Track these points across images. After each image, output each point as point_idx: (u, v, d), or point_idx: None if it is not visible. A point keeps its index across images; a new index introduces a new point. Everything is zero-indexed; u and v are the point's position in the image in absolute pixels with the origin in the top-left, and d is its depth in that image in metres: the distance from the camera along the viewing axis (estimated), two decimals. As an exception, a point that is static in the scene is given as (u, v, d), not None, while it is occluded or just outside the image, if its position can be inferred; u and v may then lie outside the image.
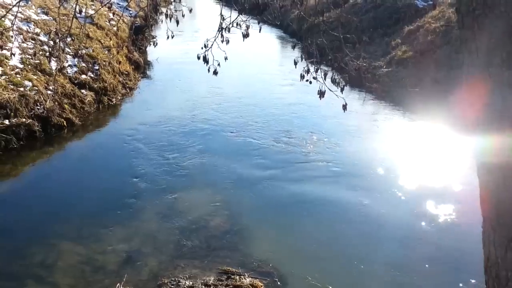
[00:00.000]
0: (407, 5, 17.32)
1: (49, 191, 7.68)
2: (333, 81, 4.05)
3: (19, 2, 4.77)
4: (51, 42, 11.08)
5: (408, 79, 12.75)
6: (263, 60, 17.22)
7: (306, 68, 4.00)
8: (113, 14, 11.95)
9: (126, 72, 13.74)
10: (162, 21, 5.43)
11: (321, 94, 3.91)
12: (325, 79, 3.88)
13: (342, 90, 4.10)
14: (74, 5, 10.73)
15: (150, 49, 18.66)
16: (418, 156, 9.24)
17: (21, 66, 10.26)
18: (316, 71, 3.90)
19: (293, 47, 4.43)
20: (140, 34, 19.58)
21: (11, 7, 9.02)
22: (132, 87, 13.29)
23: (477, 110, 1.87)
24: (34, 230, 6.51)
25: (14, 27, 10.11)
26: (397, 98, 12.28)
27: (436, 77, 12.18)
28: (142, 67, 15.56)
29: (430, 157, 9.17)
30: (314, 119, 11.13)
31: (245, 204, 7.47)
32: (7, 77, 9.62)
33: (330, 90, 3.87)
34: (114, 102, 11.88)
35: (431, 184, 8.07)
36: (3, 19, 11.26)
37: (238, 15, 3.99)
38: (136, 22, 20.00)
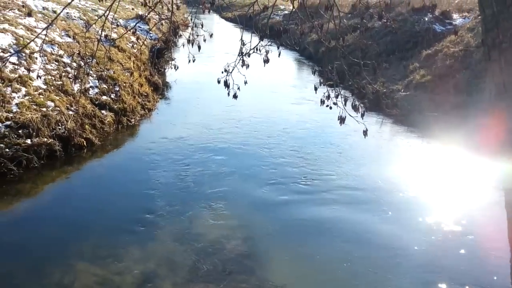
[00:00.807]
0: (425, 29, 17.35)
1: (67, 210, 7.74)
2: (354, 107, 4.06)
3: (47, 27, 4.91)
4: (74, 64, 11.33)
5: (427, 104, 12.68)
6: (280, 82, 17.32)
7: (326, 94, 4.03)
8: (137, 38, 12.14)
9: (145, 94, 13.93)
10: (183, 45, 5.54)
11: (342, 120, 3.92)
12: (345, 104, 3.90)
13: (362, 116, 4.11)
14: (99, 31, 10.97)
15: (168, 70, 18.95)
16: (439, 182, 9.12)
17: (44, 87, 10.49)
18: (337, 97, 3.93)
19: (313, 73, 4.45)
20: (160, 56, 19.93)
21: (39, 31, 9.26)
22: (150, 108, 13.45)
23: (502, 135, 1.86)
24: (51, 249, 6.56)
25: (37, 48, 10.35)
26: (415, 122, 12.19)
27: (455, 102, 12.11)
28: (160, 89, 15.78)
29: (451, 183, 9.05)
30: (331, 142, 11.09)
31: (262, 226, 7.43)
32: (30, 97, 9.84)
33: (351, 116, 3.88)
34: (133, 122, 12.02)
35: (452, 211, 7.94)
36: (28, 40, 11.59)
37: (259, 42, 4.05)
38: (156, 45, 20.38)
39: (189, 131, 11.60)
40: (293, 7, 5.35)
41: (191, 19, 5.22)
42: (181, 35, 6.20)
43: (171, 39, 5.60)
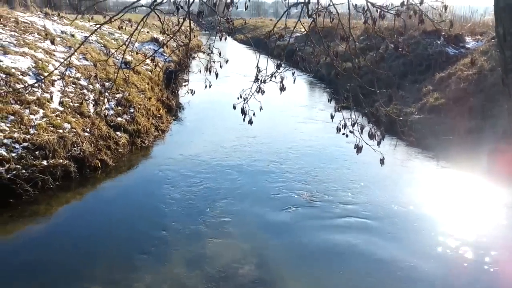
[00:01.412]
0: (437, 52, 17.37)
1: (81, 232, 7.78)
2: (370, 135, 4.07)
3: (71, 55, 5.01)
4: (91, 87, 11.50)
5: (441, 127, 12.62)
6: (292, 103, 17.37)
7: (343, 123, 4.05)
8: (152, 61, 12.34)
9: (159, 115, 14.08)
10: (200, 71, 5.61)
11: (358, 149, 3.93)
12: (361, 133, 3.91)
13: (378, 144, 4.11)
14: (117, 55, 11.20)
15: (181, 92, 19.17)
16: (454, 208, 9.00)
17: (61, 108, 10.66)
18: (353, 125, 3.94)
19: (329, 101, 4.49)
20: (174, 78, 20.17)
21: (58, 55, 9.44)
22: (164, 129, 13.57)
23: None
24: (65, 271, 6.58)
25: (57, 72, 10.56)
26: (430, 146, 12.12)
27: (470, 125, 12.04)
28: (174, 110, 15.95)
29: (467, 209, 8.93)
30: (344, 164, 11.06)
31: (275, 251, 7.38)
32: (47, 119, 10.00)
33: (367, 144, 3.89)
34: (146, 144, 12.13)
35: (468, 238, 7.82)
36: (47, 63, 11.83)
37: (276, 70, 4.11)
38: (170, 67, 20.67)
39: (201, 152, 11.66)
40: (305, 30, 5.42)
41: (209, 46, 5.29)
42: (194, 57, 6.28)
43: (188, 63, 5.67)
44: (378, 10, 4.55)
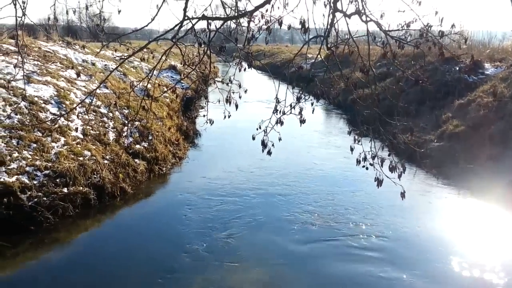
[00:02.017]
0: (456, 78, 17.31)
1: (100, 259, 7.79)
2: (391, 168, 4.05)
3: (98, 86, 5.13)
4: (111, 114, 11.68)
5: (461, 155, 12.47)
6: (309, 131, 17.36)
7: (363, 155, 4.04)
8: (173, 92, 12.52)
9: (177, 142, 14.19)
10: (219, 101, 5.68)
11: (379, 182, 3.91)
12: (382, 165, 3.89)
13: (399, 176, 4.08)
14: (139, 86, 11.38)
15: (199, 119, 19.35)
16: (474, 238, 8.82)
17: (82, 136, 10.83)
18: (373, 158, 3.93)
19: (349, 133, 4.47)
20: (191, 105, 20.44)
21: (80, 84, 9.64)
22: (181, 156, 13.66)
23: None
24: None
25: (78, 100, 10.77)
26: (450, 174, 11.96)
27: (491, 153, 11.88)
28: (191, 137, 16.05)
29: (487, 239, 8.74)
30: (362, 193, 10.94)
31: (295, 283, 7.29)
32: (68, 147, 10.16)
33: (388, 177, 3.86)
34: (164, 171, 12.20)
35: (487, 268, 7.63)
36: (68, 92, 12.09)
37: (297, 103, 4.14)
38: (187, 94, 20.93)
39: (218, 179, 11.69)
40: (323, 60, 5.47)
41: (229, 78, 5.36)
42: (211, 84, 6.37)
43: (206, 94, 5.74)
44: (397, 42, 4.58)
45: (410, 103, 16.40)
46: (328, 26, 4.22)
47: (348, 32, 4.37)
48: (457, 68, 17.92)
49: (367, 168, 4.15)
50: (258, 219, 9.50)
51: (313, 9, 4.61)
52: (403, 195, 3.98)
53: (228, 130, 16.36)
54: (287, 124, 5.24)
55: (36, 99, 11.27)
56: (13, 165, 8.92)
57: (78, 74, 5.93)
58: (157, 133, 13.35)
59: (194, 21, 4.65)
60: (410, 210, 10.02)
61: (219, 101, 5.69)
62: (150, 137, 12.83)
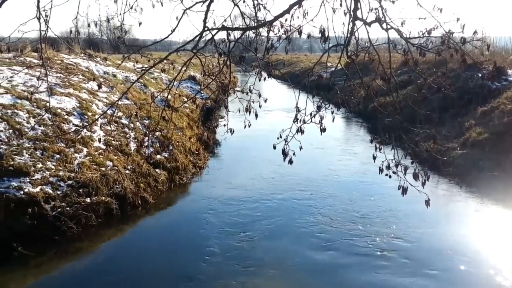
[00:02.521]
0: (479, 85, 17.05)
1: (122, 269, 7.84)
2: (414, 176, 4.00)
3: (120, 98, 5.21)
4: (132, 125, 11.82)
5: (485, 162, 12.24)
6: (329, 139, 17.27)
7: (386, 163, 4.00)
8: (193, 102, 12.64)
9: (197, 152, 14.26)
10: (239, 110, 5.69)
11: (403, 190, 3.86)
12: (405, 173, 3.84)
13: (423, 184, 4.02)
14: (159, 97, 11.50)
15: (218, 128, 19.42)
16: (501, 248, 8.62)
17: (104, 147, 10.98)
18: (397, 166, 3.88)
19: (371, 141, 4.42)
20: (210, 114, 20.56)
21: (101, 95, 9.78)
22: (201, 166, 13.71)
23: None
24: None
25: (99, 111, 10.94)
26: (473, 182, 11.73)
27: (516, 161, 11.65)
28: (211, 146, 16.11)
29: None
30: (384, 201, 10.81)
31: (315, 292, 7.23)
32: (91, 157, 10.31)
33: (411, 185, 3.81)
34: (184, 181, 12.27)
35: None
36: (90, 103, 12.28)
37: (318, 111, 4.13)
38: (207, 104, 21.07)
39: (239, 188, 11.70)
40: (343, 68, 5.44)
41: (249, 87, 5.39)
42: (230, 94, 6.39)
43: (226, 103, 5.76)
44: (419, 49, 4.54)
45: (432, 111, 16.17)
46: (348, 35, 4.21)
47: (368, 40, 4.35)
48: (480, 75, 17.65)
49: (390, 176, 4.10)
50: (278, 227, 9.47)
51: (333, 18, 4.62)
52: (427, 202, 3.92)
53: (247, 139, 16.39)
54: (307, 132, 5.22)
55: (59, 110, 11.48)
56: (37, 176, 9.08)
57: (99, 86, 6.03)
58: (177, 143, 13.45)
59: (213, 32, 4.69)
60: (433, 218, 9.86)
61: (239, 111, 5.70)
62: (170, 147, 12.93)
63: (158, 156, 12.20)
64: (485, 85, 16.80)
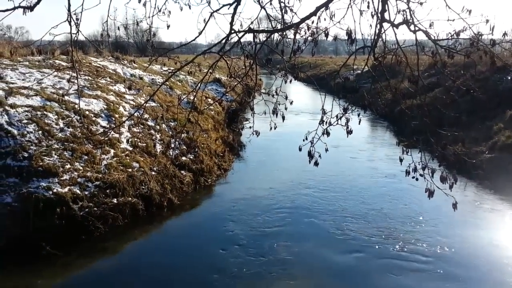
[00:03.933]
0: (508, 88, 16.68)
1: (147, 268, 7.92)
2: (442, 178, 3.95)
3: (145, 103, 5.29)
4: (158, 127, 11.96)
5: (515, 166, 11.98)
6: (355, 142, 17.12)
7: (412, 166, 3.96)
8: (220, 104, 12.76)
9: (221, 154, 14.33)
10: (265, 112, 5.71)
11: (430, 193, 3.81)
12: (432, 176, 3.80)
13: (451, 187, 3.97)
14: (185, 100, 11.63)
15: (243, 130, 19.46)
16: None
17: (131, 148, 11.14)
18: (424, 168, 3.84)
19: (397, 144, 4.37)
20: (235, 117, 20.63)
21: (128, 97, 9.92)
22: (226, 168, 13.76)
23: None
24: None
25: (126, 113, 11.10)
26: (502, 187, 11.48)
27: (546, 165, 11.34)
28: (236, 149, 16.15)
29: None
30: (411, 205, 10.68)
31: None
32: (118, 158, 10.48)
33: (439, 188, 3.76)
34: (209, 183, 12.34)
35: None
36: (117, 106, 12.48)
37: (344, 113, 4.12)
38: (232, 106, 21.16)
39: (263, 191, 11.71)
40: (370, 70, 5.41)
41: (275, 89, 5.40)
42: (255, 96, 6.40)
43: (252, 106, 5.80)
44: (447, 51, 4.48)
45: (460, 114, 15.89)
46: (375, 37, 4.19)
47: (396, 41, 4.32)
48: (509, 78, 17.29)
49: (417, 179, 4.06)
50: (302, 229, 9.46)
51: (360, 20, 4.60)
52: (455, 206, 3.86)
53: (272, 141, 16.42)
54: (333, 135, 5.20)
55: (87, 112, 11.71)
56: (66, 176, 9.27)
57: (129, 88, 6.13)
58: (202, 145, 13.54)
59: (240, 34, 4.73)
60: (461, 223, 9.70)
61: (264, 113, 5.72)
62: (196, 149, 13.03)
63: (184, 158, 12.31)
64: (514, 87, 16.43)
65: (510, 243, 8.98)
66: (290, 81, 5.47)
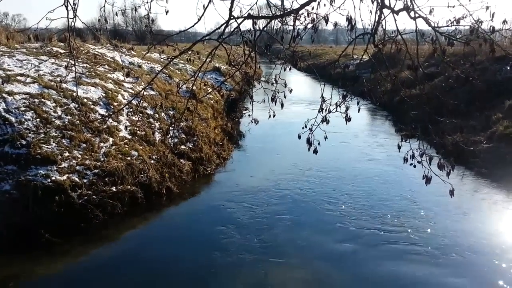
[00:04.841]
0: (507, 78, 16.67)
1: (146, 256, 7.95)
2: (439, 165, 3.96)
3: (143, 89, 5.27)
4: (157, 115, 11.94)
5: (512, 157, 12.02)
6: (354, 132, 17.13)
7: (410, 153, 3.97)
8: (219, 92, 12.72)
9: (221, 143, 14.33)
10: (264, 101, 5.70)
11: (427, 180, 3.82)
12: (430, 163, 3.81)
13: (448, 174, 3.98)
14: (181, 85, 11.57)
15: (242, 120, 19.46)
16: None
17: (129, 137, 11.13)
18: (421, 155, 3.85)
19: (396, 131, 4.37)
20: (234, 106, 20.60)
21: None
22: (225, 157, 13.76)
23: None
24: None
25: (125, 101, 11.07)
26: (500, 176, 11.52)
27: (544, 155, 11.37)
28: (235, 138, 16.14)
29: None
30: (409, 194, 10.72)
31: (337, 282, 7.23)
32: (116, 147, 10.47)
33: (436, 175, 3.77)
34: (208, 171, 12.34)
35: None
36: (116, 94, 12.45)
37: (343, 101, 4.11)
38: (231, 95, 21.12)
39: (262, 180, 11.72)
40: (370, 57, 5.39)
41: (274, 77, 5.39)
42: (255, 85, 6.39)
43: (251, 93, 5.81)
44: (447, 39, 4.46)
45: (459, 104, 15.88)
46: (375, 23, 4.17)
47: (396, 29, 4.30)
48: (508, 68, 17.26)
49: (414, 166, 4.07)
50: (301, 218, 9.50)
51: (360, 6, 4.57)
52: (452, 192, 3.88)
53: (271, 131, 16.43)
54: (332, 125, 5.20)
55: (85, 100, 11.67)
56: (64, 164, 9.27)
57: (127, 74, 6.10)
58: (201, 134, 13.53)
59: (239, 21, 4.70)
60: (457, 211, 9.76)
61: (263, 101, 5.70)
62: (195, 138, 13.03)
63: (183, 147, 12.31)
64: (514, 77, 16.42)
65: (506, 230, 9.02)
66: (290, 69, 5.45)
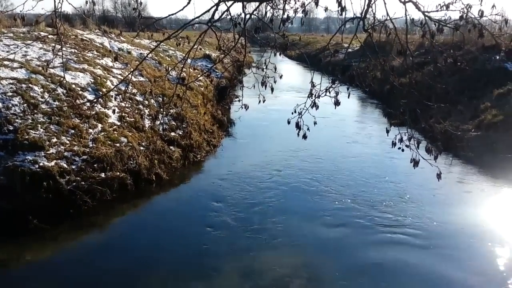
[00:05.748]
0: (496, 67, 16.78)
1: (136, 243, 7.97)
2: (427, 150, 3.99)
3: (132, 72, 5.22)
4: (146, 102, 11.87)
5: (500, 144, 12.12)
6: (344, 120, 17.19)
7: (399, 137, 3.99)
8: (208, 76, 12.65)
9: (211, 130, 14.31)
10: (254, 86, 5.68)
11: (415, 163, 3.86)
12: (418, 147, 3.83)
13: (435, 158, 4.02)
14: (171, 71, 11.52)
15: (233, 107, 19.43)
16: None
17: (118, 123, 11.06)
18: (410, 139, 3.88)
19: (385, 116, 4.38)
20: (225, 93, 20.51)
21: (116, 72, 9.78)
22: (215, 144, 13.75)
23: None
24: (120, 281, 6.77)
25: (115, 88, 10.94)
26: (487, 163, 11.66)
27: (531, 143, 11.51)
28: (225, 125, 16.12)
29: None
30: (397, 181, 10.81)
31: (326, 267, 7.28)
32: (105, 133, 10.40)
33: (424, 159, 3.80)
34: (199, 158, 12.32)
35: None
36: (105, 80, 12.34)
37: (331, 85, 4.11)
38: (222, 83, 21.03)
39: (252, 167, 11.74)
40: (361, 43, 5.38)
41: (264, 61, 5.37)
42: (245, 73, 6.37)
43: (241, 79, 5.79)
44: (436, 24, 4.47)
45: (448, 93, 15.97)
46: (366, 6, 4.16)
47: (386, 13, 4.30)
48: (497, 57, 17.37)
49: (402, 150, 4.10)
50: (290, 204, 9.56)
51: (350, -10, 4.56)
52: (439, 176, 3.92)
53: (261, 118, 16.45)
54: (322, 112, 5.20)
55: (73, 86, 11.55)
56: (52, 150, 9.20)
57: (116, 58, 6.03)
58: (191, 121, 13.49)
59: (229, 3, 4.67)
60: (445, 197, 9.89)
61: (254, 86, 5.68)
62: (184, 125, 12.98)
63: (173, 134, 12.26)
64: (502, 67, 16.53)
65: (491, 217, 9.14)
66: (280, 55, 5.43)
